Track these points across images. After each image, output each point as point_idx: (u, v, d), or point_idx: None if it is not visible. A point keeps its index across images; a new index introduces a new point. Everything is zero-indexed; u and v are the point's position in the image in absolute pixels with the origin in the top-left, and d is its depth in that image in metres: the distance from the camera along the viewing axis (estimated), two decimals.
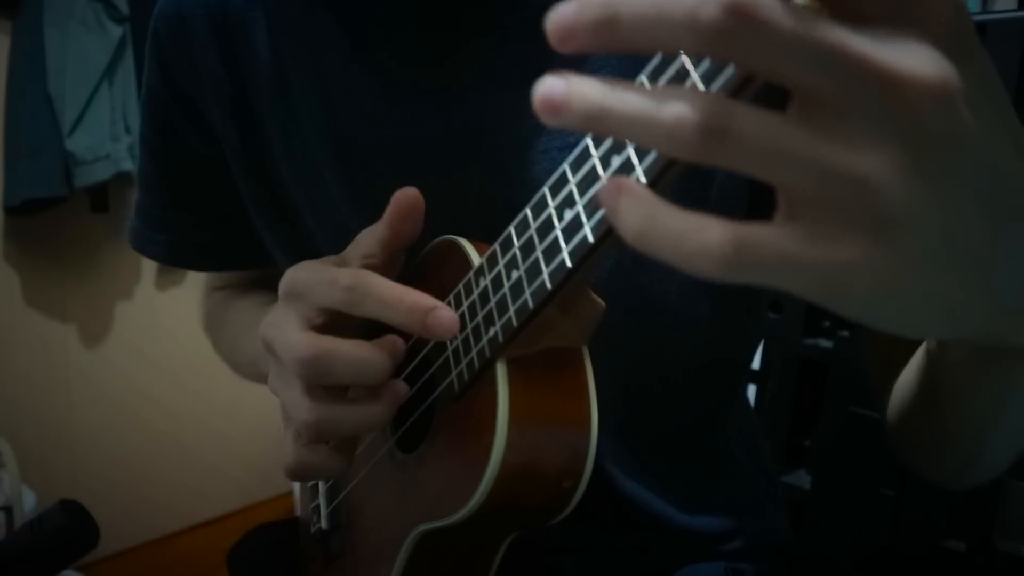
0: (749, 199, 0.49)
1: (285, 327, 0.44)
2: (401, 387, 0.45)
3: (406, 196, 0.45)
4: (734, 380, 0.60)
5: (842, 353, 1.13)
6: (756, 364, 1.27)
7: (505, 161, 0.50)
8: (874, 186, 0.22)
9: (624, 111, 0.23)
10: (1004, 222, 0.25)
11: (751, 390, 1.28)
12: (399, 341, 0.45)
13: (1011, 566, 1.01)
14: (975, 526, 1.02)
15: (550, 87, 0.24)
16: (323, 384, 0.44)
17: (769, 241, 0.23)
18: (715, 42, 0.21)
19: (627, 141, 0.29)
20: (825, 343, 1.18)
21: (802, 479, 1.21)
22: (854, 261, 0.23)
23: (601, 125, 0.24)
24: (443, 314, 0.41)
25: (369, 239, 0.46)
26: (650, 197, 0.24)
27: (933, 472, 0.49)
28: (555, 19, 0.23)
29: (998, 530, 1.02)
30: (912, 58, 0.22)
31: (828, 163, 0.22)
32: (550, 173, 0.50)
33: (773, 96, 0.23)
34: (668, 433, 0.57)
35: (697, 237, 0.23)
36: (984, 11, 1.33)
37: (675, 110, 0.22)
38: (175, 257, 0.68)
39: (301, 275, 0.45)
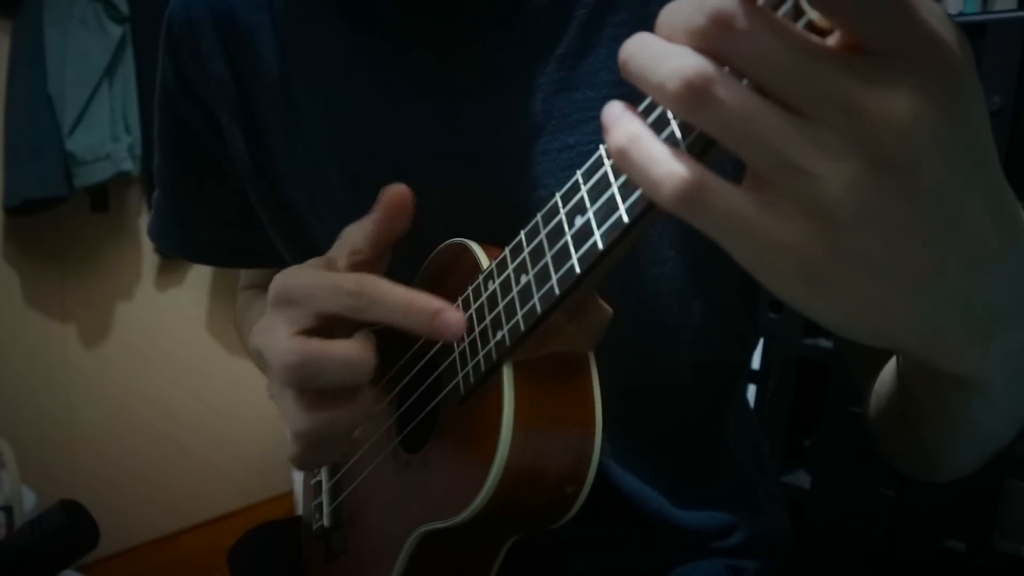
0: None
1: (275, 333, 0.44)
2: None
3: (396, 192, 0.45)
4: (730, 380, 0.60)
5: (842, 353, 1.13)
6: (756, 364, 1.27)
7: (505, 161, 0.50)
8: (827, 189, 0.24)
9: (639, 63, 0.26)
10: (951, 257, 0.26)
11: (751, 390, 1.28)
12: (372, 336, 0.44)
13: (1011, 566, 1.01)
14: (975, 526, 1.02)
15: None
16: (312, 388, 0.43)
17: (727, 194, 0.25)
18: (707, 38, 0.25)
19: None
20: (825, 343, 1.18)
21: (802, 479, 1.21)
22: (793, 241, 0.25)
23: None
24: (450, 315, 0.41)
25: (356, 235, 0.46)
26: (641, 123, 0.27)
27: (903, 467, 0.50)
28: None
29: (998, 530, 1.02)
30: (883, 89, 0.23)
31: (791, 155, 0.24)
32: (550, 173, 0.50)
33: None
34: (663, 431, 0.57)
35: (668, 166, 0.26)
36: (984, 11, 1.33)
37: (669, 65, 0.25)
38: (194, 254, 0.69)
39: (298, 280, 0.44)
